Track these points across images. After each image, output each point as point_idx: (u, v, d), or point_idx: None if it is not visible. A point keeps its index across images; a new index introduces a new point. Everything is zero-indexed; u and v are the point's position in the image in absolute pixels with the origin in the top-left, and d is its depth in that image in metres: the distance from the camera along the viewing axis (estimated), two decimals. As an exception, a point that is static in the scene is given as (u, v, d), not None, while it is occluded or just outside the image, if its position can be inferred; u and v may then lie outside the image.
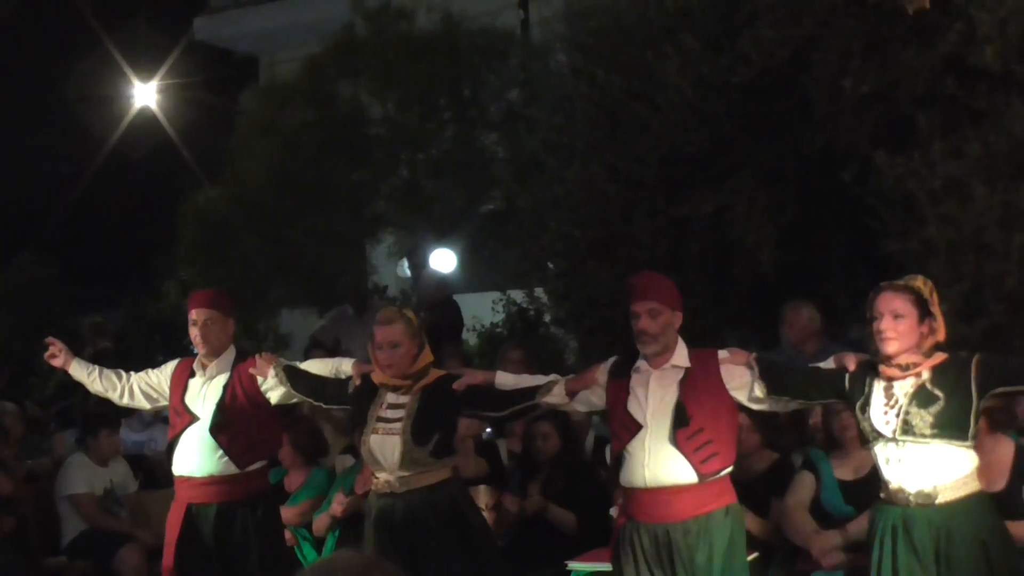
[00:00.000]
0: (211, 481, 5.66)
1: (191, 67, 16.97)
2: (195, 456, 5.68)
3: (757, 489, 5.75)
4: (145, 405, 6.04)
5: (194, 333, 5.76)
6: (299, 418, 7.01)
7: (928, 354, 4.49)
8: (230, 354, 5.80)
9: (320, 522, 6.55)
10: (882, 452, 4.49)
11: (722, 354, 4.94)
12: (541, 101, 10.62)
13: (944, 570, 4.35)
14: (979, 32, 6.55)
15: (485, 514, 6.61)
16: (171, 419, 5.84)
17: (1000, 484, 5.19)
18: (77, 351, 6.24)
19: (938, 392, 4.39)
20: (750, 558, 5.56)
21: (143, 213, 18.46)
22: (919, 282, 4.55)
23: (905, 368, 4.46)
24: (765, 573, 5.57)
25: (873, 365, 4.58)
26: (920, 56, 6.75)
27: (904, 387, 4.47)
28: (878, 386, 4.53)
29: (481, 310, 12.24)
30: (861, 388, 4.57)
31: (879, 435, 4.48)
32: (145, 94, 15.93)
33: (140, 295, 16.59)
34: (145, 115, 16.45)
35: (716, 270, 8.13)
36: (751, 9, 7.57)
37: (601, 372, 5.10)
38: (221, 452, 5.64)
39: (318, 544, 6.63)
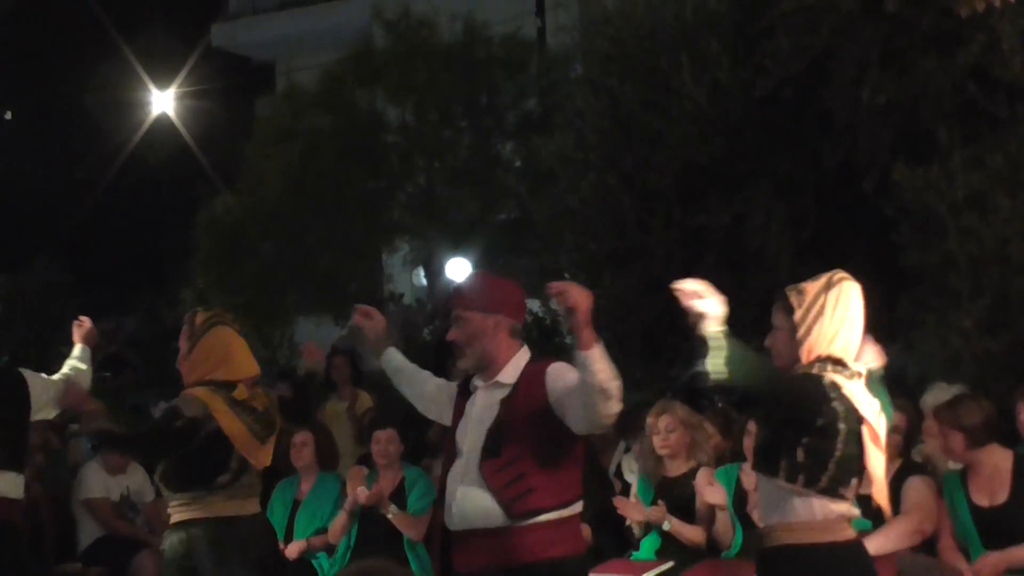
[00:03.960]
0: None
1: (208, 74, 17.03)
2: None
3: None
4: None
5: None
6: (322, 425, 6.99)
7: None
8: None
9: (335, 528, 6.52)
10: None
11: (556, 367, 3.96)
12: (557, 112, 10.63)
13: None
14: (1004, 44, 6.49)
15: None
16: None
17: (1002, 496, 5.05)
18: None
19: None
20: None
21: (159, 219, 18.55)
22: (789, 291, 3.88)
23: None
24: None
25: None
26: (940, 66, 6.72)
27: None
28: None
29: (497, 319, 12.21)
30: None
31: None
32: (163, 101, 15.98)
33: (156, 301, 16.65)
34: (162, 121, 16.51)
35: (732, 281, 8.11)
36: (768, 20, 7.56)
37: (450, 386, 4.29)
38: None
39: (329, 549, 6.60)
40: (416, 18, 12.52)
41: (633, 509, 5.82)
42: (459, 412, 4.12)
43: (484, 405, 4.02)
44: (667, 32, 8.33)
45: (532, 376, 3.97)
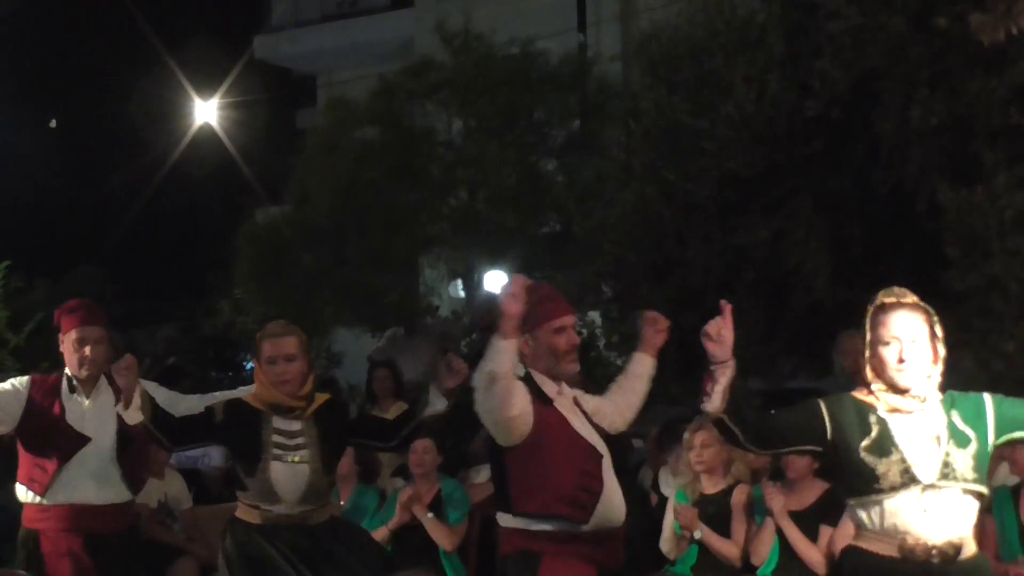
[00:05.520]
0: (109, 509, 5.26)
1: (250, 85, 17.17)
2: (93, 482, 5.25)
3: (809, 519, 5.67)
4: None
5: (84, 353, 5.25)
6: None
7: (937, 384, 3.81)
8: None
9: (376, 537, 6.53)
10: (910, 500, 3.72)
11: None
12: (603, 122, 10.64)
13: None
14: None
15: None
16: (56, 441, 5.25)
17: None
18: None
19: (969, 431, 3.73)
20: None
21: (200, 229, 18.70)
22: (915, 297, 3.85)
23: (922, 400, 3.77)
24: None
25: (850, 399, 3.88)
26: (986, 87, 6.68)
27: (925, 424, 3.77)
28: (889, 423, 3.79)
29: (533, 332, 12.21)
30: (862, 428, 3.80)
31: (913, 480, 3.72)
32: (206, 111, 16.08)
33: (194, 310, 16.76)
34: (204, 132, 16.64)
35: (770, 297, 8.09)
36: (816, 39, 7.56)
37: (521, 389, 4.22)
38: (118, 477, 5.27)
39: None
40: (475, 34, 12.59)
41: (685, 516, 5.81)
42: (556, 416, 4.21)
43: (574, 411, 4.32)
44: (716, 42, 8.34)
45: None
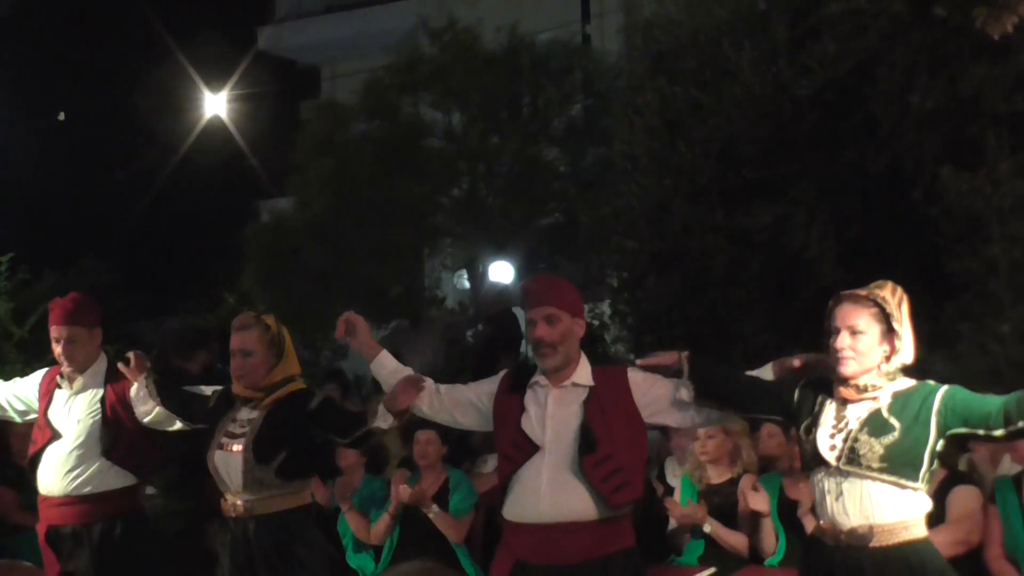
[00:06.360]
0: (69, 501, 5.33)
1: (254, 77, 17.15)
2: (52, 474, 5.36)
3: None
4: (16, 418, 5.65)
5: (57, 351, 5.41)
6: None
7: (892, 377, 3.90)
8: (100, 366, 5.47)
9: (377, 528, 6.52)
10: (821, 481, 3.92)
11: (634, 372, 4.25)
12: (605, 115, 10.63)
13: None
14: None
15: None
16: (34, 433, 5.48)
17: None
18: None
19: (894, 422, 3.81)
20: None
21: (205, 221, 18.70)
22: (886, 291, 3.90)
23: (862, 390, 3.88)
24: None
25: (829, 383, 3.99)
26: (990, 73, 6.67)
27: (857, 412, 3.89)
28: (830, 407, 3.95)
29: (539, 323, 12.22)
30: (811, 407, 4.00)
31: (821, 461, 3.90)
32: (214, 104, 16.04)
33: (199, 303, 16.77)
34: (210, 124, 16.62)
35: (777, 287, 8.08)
36: (814, 22, 7.57)
37: (487, 384, 4.41)
38: (77, 472, 5.32)
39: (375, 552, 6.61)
40: (461, 27, 12.57)
41: (681, 510, 5.80)
42: (514, 408, 4.24)
43: (562, 403, 4.19)
44: (716, 30, 8.34)
45: (610, 378, 4.22)
